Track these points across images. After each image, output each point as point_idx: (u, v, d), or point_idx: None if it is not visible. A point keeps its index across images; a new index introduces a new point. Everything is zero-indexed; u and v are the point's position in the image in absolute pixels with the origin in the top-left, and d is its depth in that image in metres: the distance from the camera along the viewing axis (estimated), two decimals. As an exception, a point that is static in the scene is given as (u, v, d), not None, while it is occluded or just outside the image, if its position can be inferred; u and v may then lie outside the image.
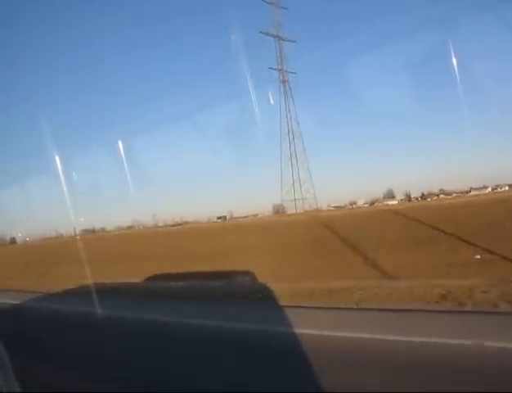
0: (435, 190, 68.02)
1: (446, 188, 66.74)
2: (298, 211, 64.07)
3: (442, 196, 62.64)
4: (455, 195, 59.06)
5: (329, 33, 68.91)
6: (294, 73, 66.48)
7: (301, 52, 71.33)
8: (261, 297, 8.12)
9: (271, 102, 58.88)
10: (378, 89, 69.04)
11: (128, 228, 66.08)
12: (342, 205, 69.99)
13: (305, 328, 5.79)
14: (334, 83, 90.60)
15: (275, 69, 65.83)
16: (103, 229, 66.93)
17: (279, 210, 68.35)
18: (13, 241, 77.23)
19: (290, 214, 59.60)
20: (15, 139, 72.20)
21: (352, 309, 6.82)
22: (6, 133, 73.35)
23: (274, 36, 63.21)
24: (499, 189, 55.51)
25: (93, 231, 65.02)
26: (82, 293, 11.02)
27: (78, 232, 69.78)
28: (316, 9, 68.34)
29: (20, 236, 76.44)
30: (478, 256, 12.45)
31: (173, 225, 61.04)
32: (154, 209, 72.13)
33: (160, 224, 66.79)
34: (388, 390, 4.04)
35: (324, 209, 65.65)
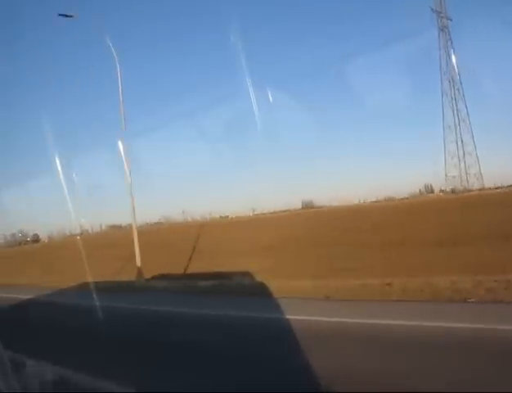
0: None
1: None
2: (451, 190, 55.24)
3: None
4: None
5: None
6: (451, 19, 56.96)
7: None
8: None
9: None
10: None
11: (156, 223, 66.84)
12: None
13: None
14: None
15: (434, 11, 55.91)
16: (130, 225, 66.97)
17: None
18: (36, 238, 79.33)
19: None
20: (27, 133, 74.17)
21: None
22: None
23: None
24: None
25: (120, 226, 66.06)
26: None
27: (104, 227, 71.96)
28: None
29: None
30: None
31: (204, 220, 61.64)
32: (182, 205, 72.44)
33: (189, 220, 67.53)
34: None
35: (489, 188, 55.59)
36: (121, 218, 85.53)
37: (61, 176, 16.56)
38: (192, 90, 65.26)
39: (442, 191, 59.88)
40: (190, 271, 16.33)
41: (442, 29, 56.67)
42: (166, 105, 63.94)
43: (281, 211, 65.17)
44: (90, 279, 12.50)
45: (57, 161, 16.73)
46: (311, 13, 64.42)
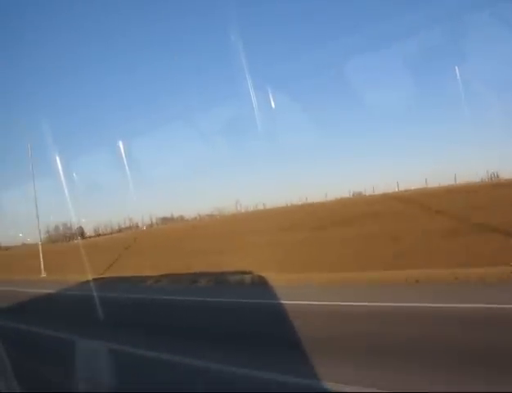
0: None
1: None
2: None
3: None
4: None
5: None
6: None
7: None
8: None
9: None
10: None
11: (209, 215, 69.65)
12: None
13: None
14: None
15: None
16: (182, 217, 70.95)
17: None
18: (81, 231, 77.46)
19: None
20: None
21: None
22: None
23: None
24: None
25: (172, 219, 70.49)
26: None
27: (154, 220, 74.66)
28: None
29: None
30: None
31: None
32: (235, 195, 73.59)
33: (242, 211, 68.75)
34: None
35: None
36: (172, 210, 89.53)
37: (104, 168, 19.48)
38: (192, 90, 65.61)
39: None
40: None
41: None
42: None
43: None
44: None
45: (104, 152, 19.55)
46: (311, 12, 61.91)
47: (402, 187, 53.30)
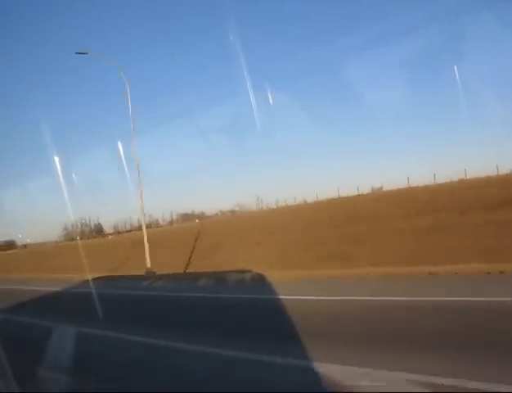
0: None
1: None
2: None
3: None
4: None
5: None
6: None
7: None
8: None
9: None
10: None
11: (231, 211, 68.94)
12: None
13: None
14: None
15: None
16: (203, 213, 69.91)
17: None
18: (99, 227, 78.54)
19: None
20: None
21: None
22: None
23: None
24: None
25: (193, 215, 69.77)
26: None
27: (175, 216, 74.47)
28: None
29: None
30: None
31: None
32: (256, 191, 72.67)
33: (264, 207, 68.06)
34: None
35: None
36: (192, 206, 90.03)
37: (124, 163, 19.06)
38: (192, 89, 65.42)
39: None
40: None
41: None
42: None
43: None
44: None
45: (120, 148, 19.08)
46: (309, 11, 61.03)
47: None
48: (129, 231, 68.83)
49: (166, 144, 65.08)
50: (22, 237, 76.33)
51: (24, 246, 72.73)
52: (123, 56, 71.78)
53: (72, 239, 69.05)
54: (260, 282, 12.39)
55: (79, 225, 77.27)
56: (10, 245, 72.32)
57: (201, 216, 67.04)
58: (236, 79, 39.94)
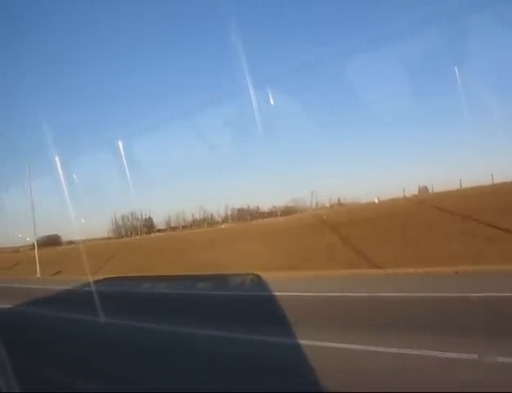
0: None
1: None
2: None
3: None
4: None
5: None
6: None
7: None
8: None
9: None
10: None
11: (286, 207, 66.62)
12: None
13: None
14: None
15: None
16: (257, 208, 68.34)
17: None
18: (150, 223, 72.29)
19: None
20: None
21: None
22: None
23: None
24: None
25: (248, 210, 67.24)
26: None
27: (229, 212, 72.87)
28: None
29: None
30: None
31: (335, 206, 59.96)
32: (310, 188, 70.00)
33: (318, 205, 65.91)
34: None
35: None
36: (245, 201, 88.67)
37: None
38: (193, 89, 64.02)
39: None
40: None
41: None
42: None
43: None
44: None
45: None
46: (311, 12, 59.70)
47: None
48: (184, 227, 66.88)
49: (221, 138, 63.91)
50: (66, 234, 74.47)
51: (71, 242, 70.88)
52: (125, 58, 71.70)
53: (122, 235, 67.64)
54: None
55: (130, 220, 73.88)
56: (54, 240, 67.57)
57: (256, 211, 65.47)
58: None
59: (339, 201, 67.56)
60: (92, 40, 61.24)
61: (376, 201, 54.12)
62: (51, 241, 64.36)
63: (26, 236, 54.37)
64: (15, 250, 60.14)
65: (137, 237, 62.55)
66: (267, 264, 15.59)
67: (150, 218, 73.60)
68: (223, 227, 52.71)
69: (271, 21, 61.94)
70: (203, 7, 62.18)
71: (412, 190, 56.25)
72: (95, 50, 65.96)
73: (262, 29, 62.74)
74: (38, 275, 25.44)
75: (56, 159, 22.63)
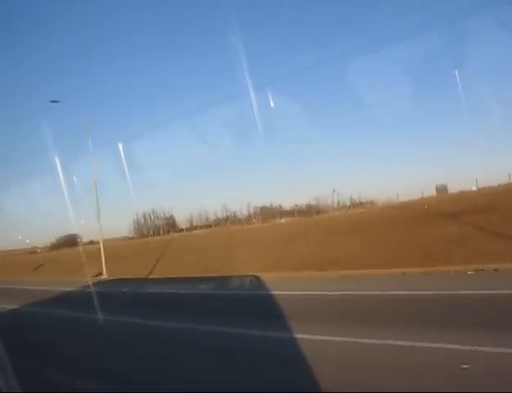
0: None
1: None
2: None
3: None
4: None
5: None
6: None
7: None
8: None
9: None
10: None
11: (307, 206, 65.69)
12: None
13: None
14: None
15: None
16: (280, 206, 66.84)
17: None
18: (172, 221, 70.56)
19: None
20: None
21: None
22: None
23: None
24: None
25: (271, 208, 66.32)
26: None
27: (251, 209, 71.93)
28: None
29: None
30: None
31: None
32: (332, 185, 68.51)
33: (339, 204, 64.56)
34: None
35: None
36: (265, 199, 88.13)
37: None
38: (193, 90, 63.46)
39: None
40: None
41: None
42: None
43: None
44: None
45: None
46: (311, 14, 58.85)
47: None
48: (209, 226, 65.26)
49: (241, 135, 63.68)
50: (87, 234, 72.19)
51: (92, 242, 67.72)
52: (125, 59, 71.86)
53: (144, 235, 66.10)
54: None
55: (151, 218, 71.85)
56: (72, 241, 62.37)
57: (279, 209, 64.68)
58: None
59: (359, 200, 66.09)
60: (93, 41, 62.16)
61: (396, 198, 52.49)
62: (70, 242, 61.83)
63: (26, 238, 54.84)
64: (32, 252, 59.50)
65: (161, 236, 61.15)
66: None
67: (171, 216, 71.29)
68: (283, 221, 50.04)
69: (272, 23, 62.51)
70: (203, 9, 62.77)
71: (429, 190, 54.44)
72: (95, 51, 66.80)
73: (263, 30, 63.21)
74: (105, 275, 24.42)
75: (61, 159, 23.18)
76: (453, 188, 52.36)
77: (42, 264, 38.87)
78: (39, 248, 55.60)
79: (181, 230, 66.58)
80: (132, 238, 65.97)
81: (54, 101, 23.69)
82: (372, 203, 60.07)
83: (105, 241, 57.82)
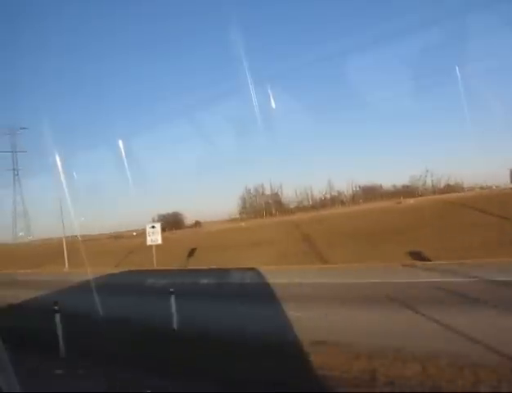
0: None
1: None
2: None
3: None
4: None
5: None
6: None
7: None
8: None
9: None
10: None
11: (404, 187, 62.77)
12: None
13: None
14: None
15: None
16: (381, 186, 64.69)
17: None
18: (277, 198, 64.72)
19: None
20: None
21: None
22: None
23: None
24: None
25: (373, 187, 63.75)
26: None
27: (356, 188, 69.28)
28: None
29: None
30: None
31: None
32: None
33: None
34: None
35: None
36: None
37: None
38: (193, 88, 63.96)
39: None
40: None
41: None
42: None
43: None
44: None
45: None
46: (312, 11, 65.79)
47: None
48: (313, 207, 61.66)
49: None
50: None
51: (198, 223, 61.56)
52: (126, 57, 72.53)
53: (253, 216, 60.49)
54: None
55: (259, 195, 64.17)
56: (177, 221, 60.31)
57: (380, 189, 62.68)
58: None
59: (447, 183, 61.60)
60: (93, 38, 64.63)
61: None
62: (174, 223, 57.94)
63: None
64: (118, 236, 56.05)
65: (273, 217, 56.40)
66: None
67: (276, 193, 65.54)
68: (412, 202, 41.63)
69: (272, 20, 62.30)
70: (204, 6, 62.94)
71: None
72: (97, 48, 70.28)
73: (264, 27, 67.54)
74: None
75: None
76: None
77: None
78: (135, 231, 51.65)
79: (290, 211, 60.85)
80: (242, 220, 59.11)
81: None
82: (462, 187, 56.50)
83: (207, 222, 56.30)
